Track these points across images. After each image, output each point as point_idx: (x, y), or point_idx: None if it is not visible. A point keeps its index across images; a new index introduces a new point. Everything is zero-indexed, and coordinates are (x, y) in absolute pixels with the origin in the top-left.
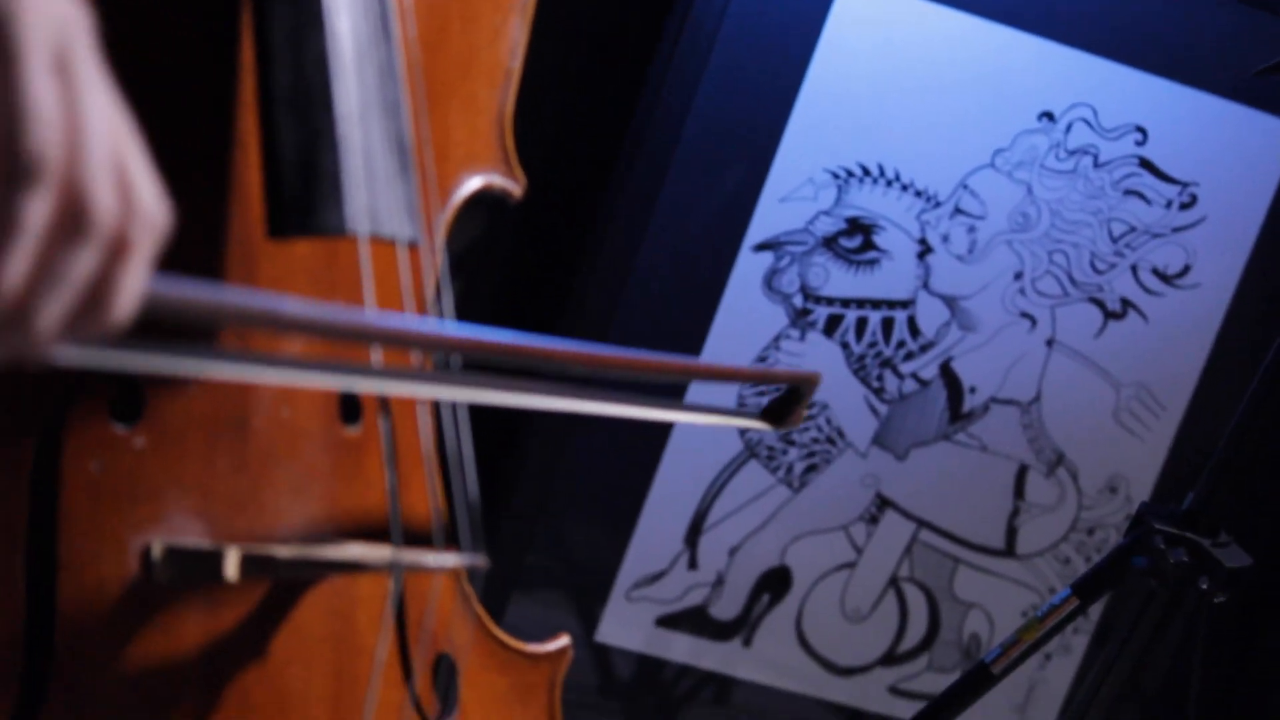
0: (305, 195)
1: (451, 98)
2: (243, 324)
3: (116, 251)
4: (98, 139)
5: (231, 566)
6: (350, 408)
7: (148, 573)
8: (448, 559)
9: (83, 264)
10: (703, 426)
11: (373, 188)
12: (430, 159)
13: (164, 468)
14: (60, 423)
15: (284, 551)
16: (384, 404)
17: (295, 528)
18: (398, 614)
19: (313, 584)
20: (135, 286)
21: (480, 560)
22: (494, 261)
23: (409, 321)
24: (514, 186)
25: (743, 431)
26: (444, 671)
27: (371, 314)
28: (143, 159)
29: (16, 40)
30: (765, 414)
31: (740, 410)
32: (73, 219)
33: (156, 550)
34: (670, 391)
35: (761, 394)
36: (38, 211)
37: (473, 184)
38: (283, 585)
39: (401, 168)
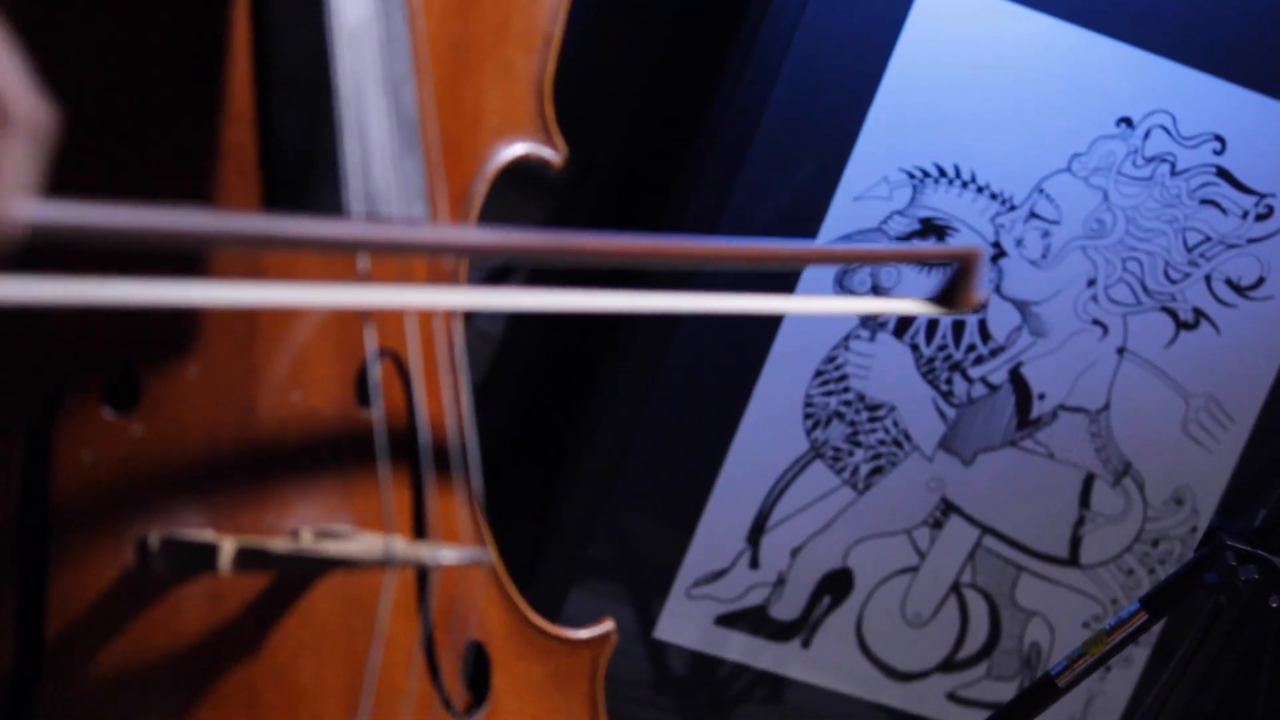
0: (301, 176)
1: (485, 64)
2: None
3: None
4: None
5: (225, 560)
6: (367, 388)
7: (145, 564)
8: (447, 554)
9: None
10: (772, 420)
11: (371, 168)
12: (435, 133)
13: (162, 456)
14: (51, 412)
15: (279, 545)
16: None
17: (304, 516)
18: (419, 602)
19: (320, 574)
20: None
21: (484, 556)
22: None
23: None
24: (553, 155)
25: (808, 430)
26: (474, 660)
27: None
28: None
29: None
30: (937, 298)
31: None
32: None
33: (153, 541)
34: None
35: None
36: None
37: (509, 152)
38: (287, 576)
39: (407, 145)
